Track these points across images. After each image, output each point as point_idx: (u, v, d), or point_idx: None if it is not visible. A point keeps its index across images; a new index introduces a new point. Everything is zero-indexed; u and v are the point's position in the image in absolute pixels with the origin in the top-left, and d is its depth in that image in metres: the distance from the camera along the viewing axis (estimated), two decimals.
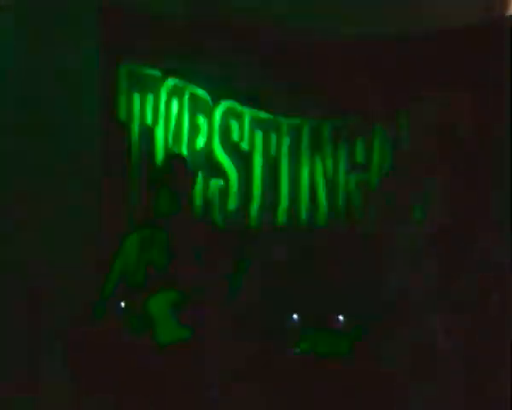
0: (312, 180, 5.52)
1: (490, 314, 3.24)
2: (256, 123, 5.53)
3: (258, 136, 5.54)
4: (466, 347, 3.28)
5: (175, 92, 5.47)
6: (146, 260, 4.08)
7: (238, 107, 5.52)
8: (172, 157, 4.28)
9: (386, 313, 4.17)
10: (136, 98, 5.43)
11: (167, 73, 5.45)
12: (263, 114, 5.54)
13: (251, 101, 5.52)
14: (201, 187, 5.34)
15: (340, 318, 4.64)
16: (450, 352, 3.30)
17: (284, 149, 5.53)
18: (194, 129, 5.50)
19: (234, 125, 5.53)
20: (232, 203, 5.50)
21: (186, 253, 4.06)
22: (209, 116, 5.51)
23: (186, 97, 5.48)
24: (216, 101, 5.51)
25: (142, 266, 4.08)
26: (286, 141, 5.52)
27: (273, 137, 5.54)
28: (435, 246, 3.44)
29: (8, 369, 4.51)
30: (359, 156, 5.48)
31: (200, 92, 5.49)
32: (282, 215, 5.50)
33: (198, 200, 5.28)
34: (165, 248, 4.08)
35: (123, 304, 4.08)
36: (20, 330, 4.29)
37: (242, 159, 5.53)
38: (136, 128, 5.42)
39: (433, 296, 3.39)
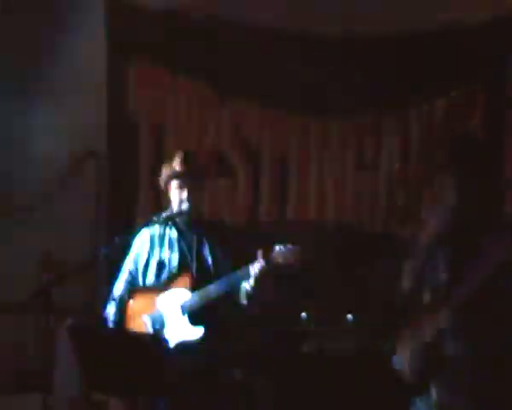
0: (320, 178, 5.51)
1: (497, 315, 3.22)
2: (265, 121, 5.53)
3: (267, 133, 5.53)
4: (473, 348, 3.26)
5: (183, 89, 5.47)
6: (157, 259, 4.06)
7: (247, 104, 5.51)
8: (182, 154, 4.23)
9: (394, 313, 4.15)
10: (145, 95, 5.44)
11: (176, 69, 5.45)
12: (271, 112, 5.52)
13: (260, 98, 5.51)
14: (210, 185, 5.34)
15: (349, 316, 4.64)
16: (457, 353, 3.28)
17: (292, 147, 5.52)
18: (202, 126, 5.50)
19: (242, 123, 5.52)
20: (240, 201, 5.50)
21: (197, 251, 4.03)
22: (217, 113, 5.50)
23: (194, 94, 5.48)
24: (224, 98, 5.50)
25: (153, 264, 4.06)
26: (294, 138, 5.51)
27: (281, 135, 5.53)
28: (445, 245, 3.42)
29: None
30: (368, 155, 5.47)
31: (209, 89, 5.49)
32: (290, 213, 5.50)
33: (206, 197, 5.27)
34: (176, 246, 4.05)
35: (131, 302, 4.07)
36: (31, 330, 4.32)
37: (250, 156, 5.53)
38: (145, 126, 5.44)
39: (441, 297, 3.37)
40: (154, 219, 4.07)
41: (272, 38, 5.41)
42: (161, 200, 5.12)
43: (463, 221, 3.37)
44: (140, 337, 3.63)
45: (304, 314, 4.72)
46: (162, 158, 5.37)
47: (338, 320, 4.76)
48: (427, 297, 3.44)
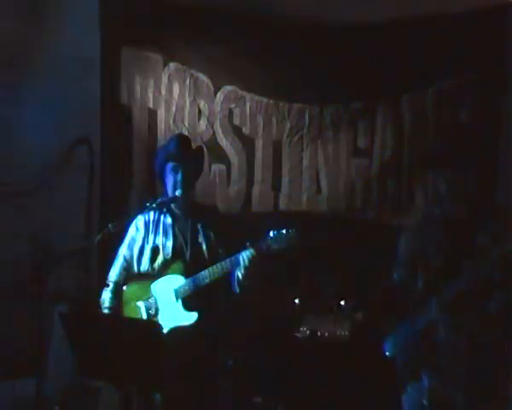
0: (314, 165, 5.52)
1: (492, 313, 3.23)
2: (258, 107, 5.52)
3: (260, 120, 5.53)
4: (465, 340, 3.27)
5: (176, 76, 5.46)
6: (151, 245, 4.06)
7: (240, 91, 5.50)
8: (177, 137, 4.23)
9: (386, 300, 4.16)
10: (138, 82, 5.43)
11: (169, 56, 5.44)
12: (264, 99, 5.52)
13: (253, 85, 5.51)
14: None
15: (342, 303, 4.66)
16: (449, 343, 3.29)
17: (286, 134, 5.52)
18: (195, 113, 5.49)
19: (235, 110, 5.51)
20: (233, 188, 5.50)
21: (192, 237, 4.03)
22: (210, 100, 5.49)
23: (187, 81, 5.46)
24: (217, 85, 5.49)
25: (148, 250, 4.06)
26: (287, 126, 5.51)
27: (275, 122, 5.52)
28: (437, 237, 3.41)
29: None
30: (361, 141, 5.48)
31: (202, 76, 5.48)
32: (283, 200, 5.51)
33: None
34: (170, 233, 4.05)
35: (125, 288, 4.07)
36: (24, 316, 4.32)
37: (244, 143, 5.52)
38: (137, 112, 5.43)
39: (432, 285, 3.37)
40: (149, 205, 4.07)
41: (265, 26, 5.40)
42: (155, 186, 5.16)
43: (456, 213, 3.37)
44: (134, 323, 3.64)
45: (297, 301, 4.74)
46: (156, 144, 5.40)
47: (331, 307, 4.78)
48: (419, 284, 3.45)
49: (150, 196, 5.16)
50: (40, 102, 5.20)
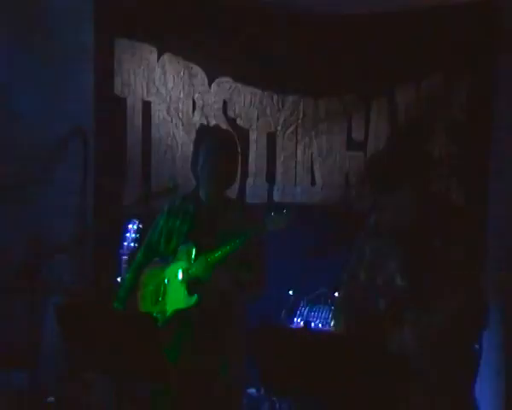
0: (308, 157, 5.52)
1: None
2: (252, 99, 5.52)
3: (254, 112, 5.53)
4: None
5: (171, 67, 5.45)
6: (168, 228, 4.10)
7: (234, 82, 5.50)
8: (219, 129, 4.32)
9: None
10: (132, 73, 5.42)
11: (163, 48, 5.43)
12: (259, 90, 5.51)
13: (247, 77, 5.50)
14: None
15: (336, 294, 4.66)
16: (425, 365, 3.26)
17: (280, 126, 5.52)
18: (190, 104, 5.49)
19: (230, 102, 5.51)
20: None
21: (207, 227, 4.06)
22: (205, 92, 5.49)
23: (182, 73, 5.46)
24: (212, 76, 5.49)
25: (165, 231, 4.10)
26: (282, 117, 5.51)
27: (269, 114, 5.52)
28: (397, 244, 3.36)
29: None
30: (355, 133, 5.48)
31: (196, 67, 5.47)
32: (277, 192, 5.52)
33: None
34: (188, 219, 4.07)
35: (143, 271, 4.10)
36: (18, 307, 4.33)
37: (238, 135, 5.51)
38: (131, 103, 5.42)
39: (400, 308, 3.33)
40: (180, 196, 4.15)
41: (261, 16, 5.40)
42: (149, 178, 5.19)
43: (419, 222, 3.31)
44: (129, 316, 3.64)
45: (291, 292, 4.76)
46: (150, 136, 5.40)
47: (326, 299, 4.80)
48: (382, 304, 3.37)
49: (144, 187, 5.19)
50: (34, 93, 5.21)
